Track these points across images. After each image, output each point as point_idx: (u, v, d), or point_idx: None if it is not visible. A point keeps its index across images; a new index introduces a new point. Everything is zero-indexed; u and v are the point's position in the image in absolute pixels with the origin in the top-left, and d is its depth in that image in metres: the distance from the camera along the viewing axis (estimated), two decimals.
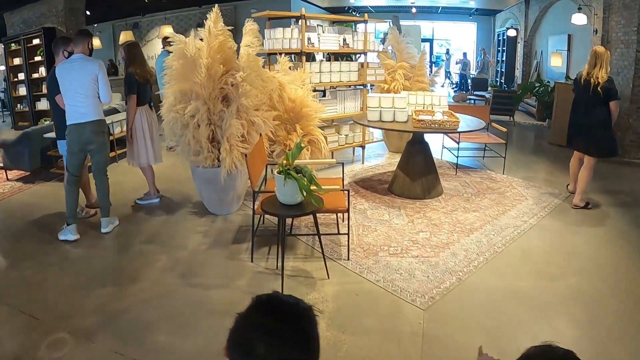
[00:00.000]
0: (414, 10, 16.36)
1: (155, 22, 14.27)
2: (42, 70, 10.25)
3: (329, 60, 8.69)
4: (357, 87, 6.62)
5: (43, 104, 10.27)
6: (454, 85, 18.44)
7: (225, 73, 4.55)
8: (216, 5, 4.55)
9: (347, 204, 3.66)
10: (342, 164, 4.51)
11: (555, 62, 11.96)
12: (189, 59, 4.44)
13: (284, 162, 3.22)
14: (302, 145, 3.39)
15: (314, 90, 5.78)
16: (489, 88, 13.20)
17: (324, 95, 6.75)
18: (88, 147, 4.47)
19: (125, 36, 12.63)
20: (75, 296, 3.47)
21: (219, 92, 4.56)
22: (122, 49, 5.33)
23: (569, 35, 11.31)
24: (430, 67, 20.59)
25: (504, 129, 6.29)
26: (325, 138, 6.20)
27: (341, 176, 4.45)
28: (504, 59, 15.85)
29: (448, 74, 20.65)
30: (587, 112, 4.99)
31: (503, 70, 15.82)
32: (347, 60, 7.15)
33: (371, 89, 7.89)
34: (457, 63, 18.52)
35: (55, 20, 10.03)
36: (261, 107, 4.68)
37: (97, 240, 4.49)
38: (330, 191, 3.46)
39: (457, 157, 6.48)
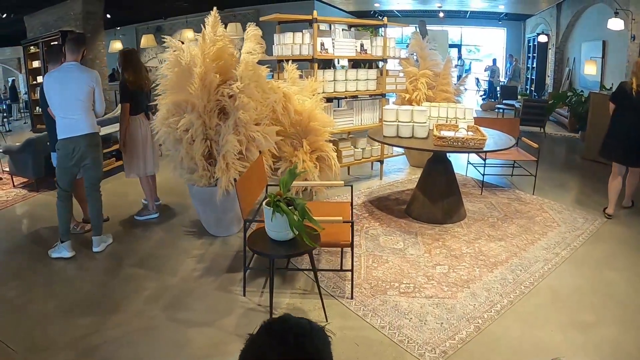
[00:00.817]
0: (441, 14, 15.74)
1: (177, 25, 13.99)
2: None
3: (352, 67, 8.21)
4: (376, 96, 6.12)
5: None
6: (482, 94, 17.63)
7: (223, 83, 4.09)
8: (215, 8, 4.12)
9: (351, 237, 3.16)
10: (351, 186, 3.98)
11: (589, 70, 11.22)
12: (184, 68, 4.02)
13: (276, 192, 2.76)
14: (297, 171, 2.92)
15: (328, 101, 5.30)
16: (519, 97, 12.49)
17: (339, 105, 6.28)
18: (82, 163, 4.15)
19: (146, 40, 12.40)
20: (54, 325, 3.16)
21: (214, 104, 4.11)
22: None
23: (604, 42, 10.58)
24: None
25: (535, 145, 5.68)
26: (340, 153, 5.72)
27: (350, 200, 3.95)
28: (534, 66, 15.08)
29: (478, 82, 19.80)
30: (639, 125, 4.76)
31: (533, 77, 15.06)
32: (369, 67, 6.59)
33: (392, 98, 7.39)
34: (485, 70, 17.78)
35: (73, 24, 9.85)
36: (262, 120, 4.23)
37: (88, 261, 4.14)
38: (330, 223, 2.98)
39: (483, 175, 5.89)
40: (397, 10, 15.83)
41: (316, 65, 5.19)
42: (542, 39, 14.12)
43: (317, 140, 4.59)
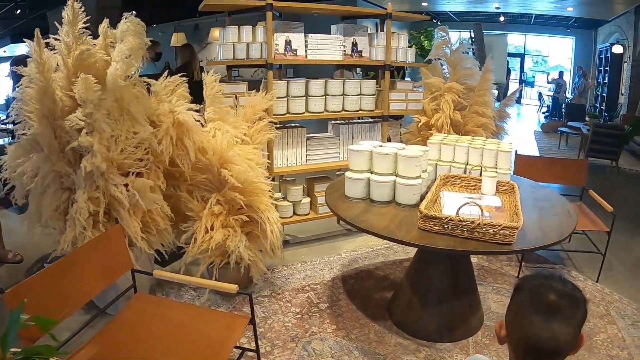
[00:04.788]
0: (501, 18, 13.08)
1: (214, 24, 12.37)
2: None
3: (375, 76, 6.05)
4: (376, 119, 4.03)
5: None
6: (545, 110, 14.56)
7: (75, 109, 2.30)
8: None
9: None
10: (250, 294, 1.96)
11: None
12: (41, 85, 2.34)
13: None
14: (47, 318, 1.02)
15: (278, 127, 3.29)
16: (587, 118, 9.75)
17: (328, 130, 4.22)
18: None
19: (176, 38, 10.86)
20: None
21: (65, 140, 2.37)
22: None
23: None
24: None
25: (610, 208, 3.34)
26: (315, 199, 3.72)
27: (250, 312, 1.94)
28: (605, 81, 12.09)
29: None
30: None
31: (604, 94, 12.07)
32: (403, 77, 4.41)
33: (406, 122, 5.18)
34: (549, 82, 14.83)
35: (89, 20, 8.47)
36: (134, 166, 2.35)
37: None
38: None
39: None
40: (451, 12, 13.35)
41: (271, 73, 3.19)
42: (617, 49, 11.22)
43: (237, 197, 2.59)
